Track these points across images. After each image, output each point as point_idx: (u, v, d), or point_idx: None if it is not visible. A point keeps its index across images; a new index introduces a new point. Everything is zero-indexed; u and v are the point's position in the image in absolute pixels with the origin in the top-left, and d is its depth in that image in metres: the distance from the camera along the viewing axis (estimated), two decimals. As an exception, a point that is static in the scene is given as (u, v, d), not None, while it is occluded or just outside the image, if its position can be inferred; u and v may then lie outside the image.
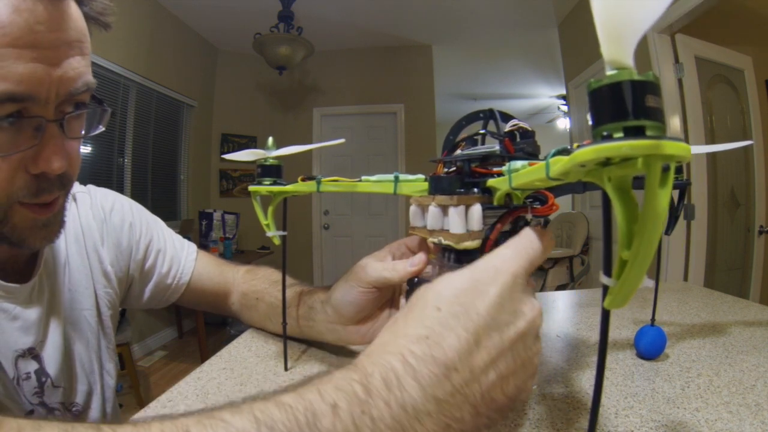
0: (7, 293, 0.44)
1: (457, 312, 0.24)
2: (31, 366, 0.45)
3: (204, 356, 2.47)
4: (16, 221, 0.38)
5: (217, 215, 3.14)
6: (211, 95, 3.71)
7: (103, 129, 0.43)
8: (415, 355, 0.23)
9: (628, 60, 0.16)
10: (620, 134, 0.16)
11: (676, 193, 0.47)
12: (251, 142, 3.85)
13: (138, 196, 2.79)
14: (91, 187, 0.60)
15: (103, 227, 0.57)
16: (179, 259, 0.63)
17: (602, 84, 0.16)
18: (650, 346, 0.52)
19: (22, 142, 0.35)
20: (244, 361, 0.54)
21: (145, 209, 0.64)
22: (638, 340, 0.53)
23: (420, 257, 0.41)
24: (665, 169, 0.17)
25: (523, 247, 0.26)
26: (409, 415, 0.21)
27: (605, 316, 0.21)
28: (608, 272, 0.20)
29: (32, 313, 0.46)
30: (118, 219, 0.59)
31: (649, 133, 0.16)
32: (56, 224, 0.42)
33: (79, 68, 0.36)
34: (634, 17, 0.15)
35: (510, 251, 0.26)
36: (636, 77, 0.16)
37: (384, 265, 0.42)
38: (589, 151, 0.17)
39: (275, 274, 0.62)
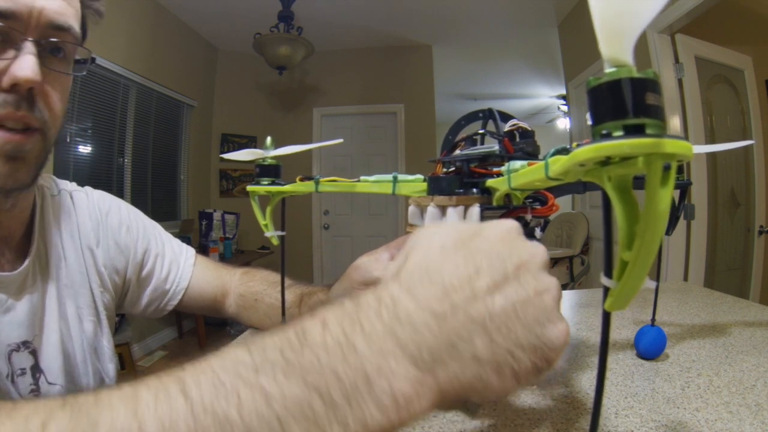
0: None
1: (457, 246, 0.23)
2: (27, 361, 0.44)
3: (204, 356, 2.46)
4: None
5: (217, 215, 3.14)
6: (211, 95, 3.70)
7: (85, 73, 0.47)
8: (412, 278, 0.22)
9: (628, 57, 0.15)
10: (620, 132, 0.16)
11: (676, 193, 0.47)
12: (251, 142, 3.84)
13: (138, 196, 2.79)
14: (88, 188, 0.59)
15: (99, 228, 0.56)
16: (178, 263, 0.63)
17: (601, 82, 0.16)
18: (650, 346, 0.52)
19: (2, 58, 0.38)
20: (243, 362, 0.54)
21: (142, 214, 0.64)
22: (638, 340, 0.53)
23: None
24: (666, 168, 0.17)
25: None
26: (403, 324, 0.20)
27: (606, 317, 0.21)
28: (609, 273, 0.20)
29: (25, 304, 0.45)
30: (115, 221, 0.58)
31: (649, 131, 0.15)
32: (25, 163, 0.41)
33: (62, 7, 0.40)
34: (633, 14, 0.15)
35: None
36: (635, 74, 0.15)
37: (377, 265, 0.42)
38: (588, 150, 0.16)
39: (273, 276, 0.62)
